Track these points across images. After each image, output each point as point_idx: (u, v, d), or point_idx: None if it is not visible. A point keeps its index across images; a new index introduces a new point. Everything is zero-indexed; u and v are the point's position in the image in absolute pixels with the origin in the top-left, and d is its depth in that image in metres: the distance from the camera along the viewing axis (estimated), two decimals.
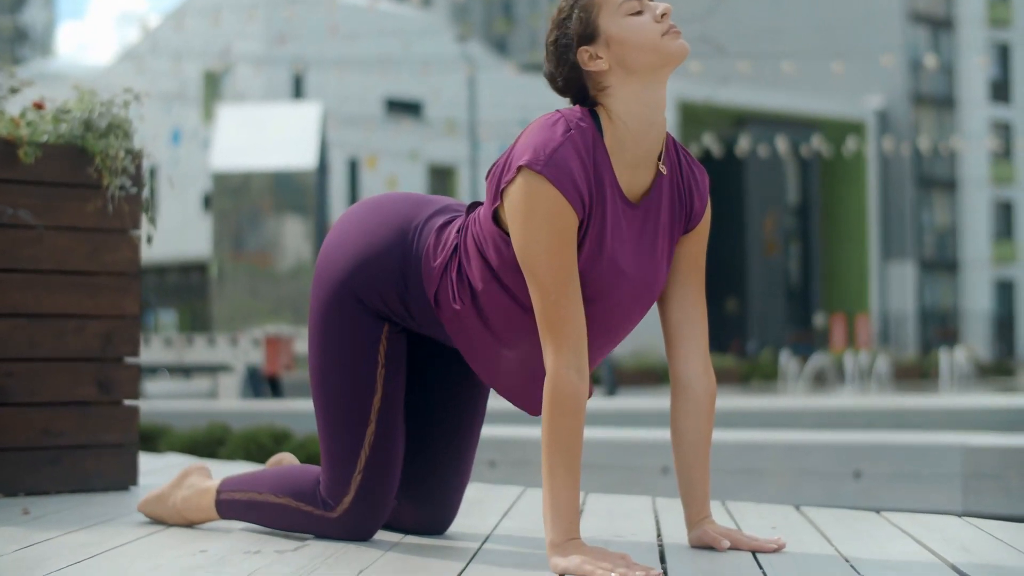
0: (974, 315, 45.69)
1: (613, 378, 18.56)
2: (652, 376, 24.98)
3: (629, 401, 13.80)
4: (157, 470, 4.32)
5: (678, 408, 2.60)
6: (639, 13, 2.46)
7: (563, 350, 2.41)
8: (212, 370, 16.44)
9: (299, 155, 19.05)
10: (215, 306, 19.45)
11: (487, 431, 6.12)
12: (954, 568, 2.39)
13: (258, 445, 6.72)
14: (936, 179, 46.04)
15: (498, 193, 2.47)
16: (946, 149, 36.88)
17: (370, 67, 31.98)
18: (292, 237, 19.29)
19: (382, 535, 2.83)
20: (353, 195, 34.84)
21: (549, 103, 2.54)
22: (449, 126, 32.71)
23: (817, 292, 44.90)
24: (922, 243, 45.68)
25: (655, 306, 2.65)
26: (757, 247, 43.17)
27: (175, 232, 32.81)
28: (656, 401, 12.84)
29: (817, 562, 2.47)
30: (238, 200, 19.20)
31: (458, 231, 2.57)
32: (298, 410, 9.37)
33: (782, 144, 29.33)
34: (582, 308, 2.44)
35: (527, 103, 30.45)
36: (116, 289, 3.76)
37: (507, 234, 2.47)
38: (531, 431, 6.55)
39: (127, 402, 3.80)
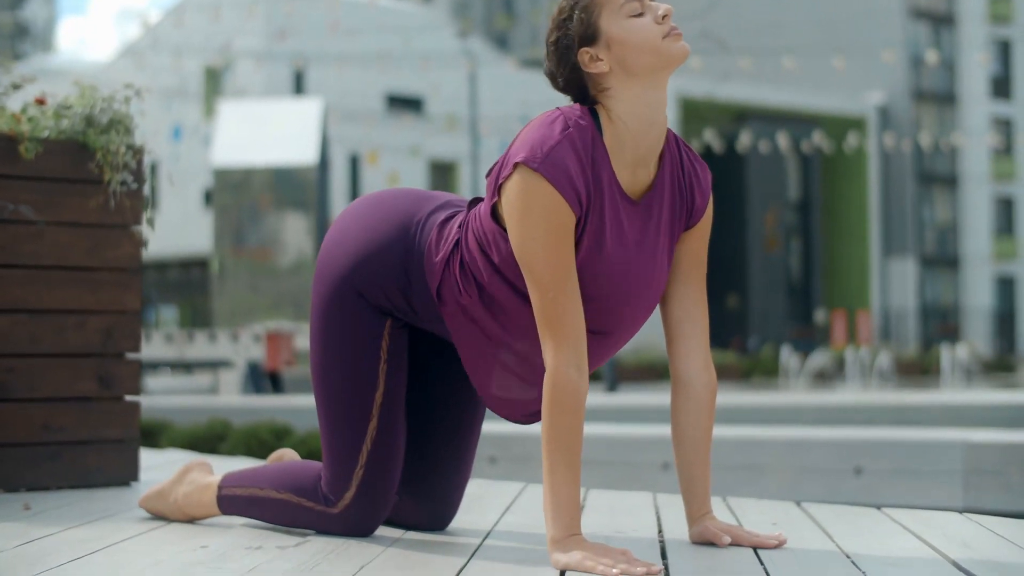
0: (975, 311, 45.69)
1: (614, 374, 18.55)
2: (653, 372, 24.99)
3: (630, 397, 13.80)
4: (158, 466, 4.32)
5: (679, 405, 2.60)
6: (640, 15, 2.46)
7: (562, 347, 2.41)
8: (213, 366, 16.44)
9: (300, 151, 19.04)
10: (216, 302, 19.45)
11: (488, 427, 6.13)
12: (955, 564, 2.39)
13: (259, 441, 6.72)
14: (937, 175, 46.03)
15: (496, 189, 2.47)
16: (947, 145, 36.88)
17: (371, 63, 31.98)
18: (293, 233, 19.29)
19: (383, 531, 2.83)
20: (354, 191, 34.84)
21: (550, 99, 2.54)
22: (450, 122, 32.70)
23: (818, 288, 44.90)
24: (923, 239, 45.67)
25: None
26: (758, 243, 43.17)
27: (176, 228, 32.83)
28: (657, 397, 12.84)
29: (818, 558, 2.47)
30: (239, 196, 19.20)
31: (460, 226, 2.57)
32: (299, 406, 9.37)
33: (783, 140, 29.33)
34: (581, 305, 2.43)
35: (528, 99, 30.45)
36: (117, 285, 3.76)
37: (505, 230, 2.47)
38: (532, 427, 6.55)
39: (128, 398, 3.80)
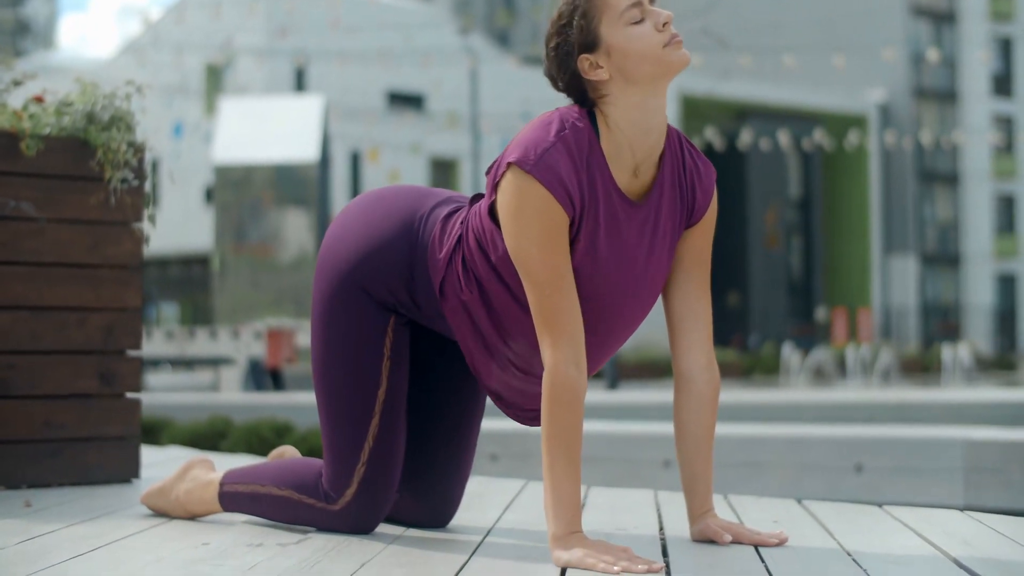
0: (976, 309, 45.69)
1: (615, 372, 18.55)
2: (653, 369, 25.00)
3: (631, 394, 13.80)
4: (159, 463, 4.32)
5: (681, 402, 2.60)
6: (641, 21, 2.45)
7: (560, 344, 2.41)
8: (214, 363, 16.44)
9: (301, 148, 19.04)
10: (217, 299, 19.46)
11: (489, 424, 6.12)
12: (955, 562, 2.39)
13: (260, 438, 6.72)
14: (938, 173, 46.01)
15: (494, 188, 2.48)
16: (948, 143, 36.86)
17: (372, 60, 31.96)
18: (294, 230, 19.29)
19: (384, 528, 2.83)
20: (355, 188, 34.84)
21: (551, 96, 2.54)
22: (451, 119, 32.70)
23: (819, 286, 44.90)
24: (924, 237, 45.67)
25: (658, 300, 2.65)
26: (759, 241, 43.17)
27: (177, 225, 32.83)
28: (658, 394, 12.84)
29: (819, 556, 2.48)
30: (240, 193, 19.20)
31: (461, 223, 2.58)
32: (300, 403, 9.37)
33: (784, 138, 29.33)
34: (577, 302, 2.44)
35: (529, 96, 30.46)
36: (118, 282, 3.76)
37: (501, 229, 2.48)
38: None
39: (129, 395, 3.80)
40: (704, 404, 2.59)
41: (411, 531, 2.82)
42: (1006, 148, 45.92)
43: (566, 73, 2.49)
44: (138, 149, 3.76)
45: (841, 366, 23.27)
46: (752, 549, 2.52)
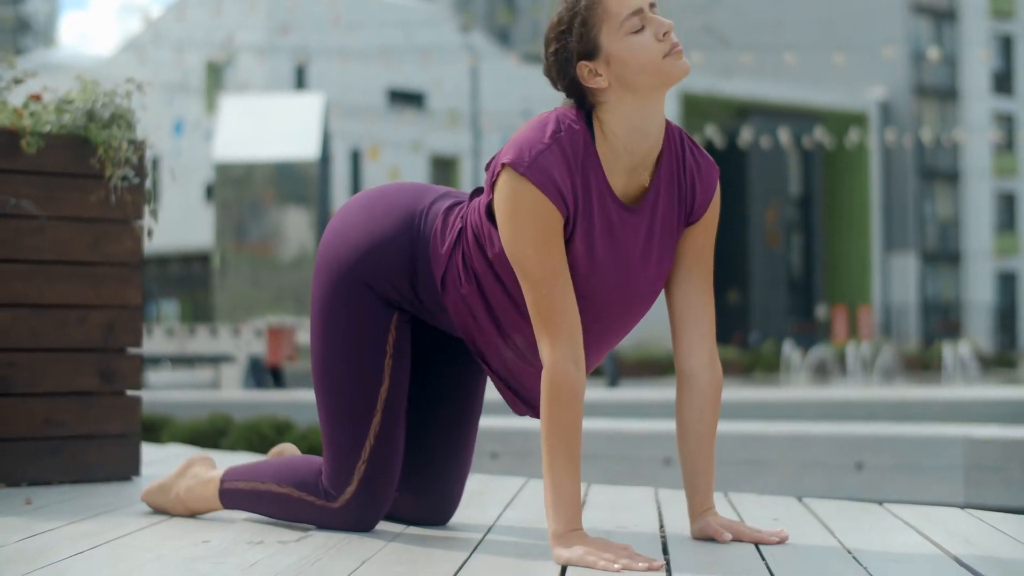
0: (976, 307, 45.68)
1: (615, 369, 18.55)
2: (654, 367, 24.99)
3: (631, 392, 13.81)
4: (159, 460, 4.32)
5: (683, 399, 2.60)
6: (641, 30, 2.44)
7: (558, 342, 2.41)
8: (214, 360, 16.42)
9: (301, 146, 19.03)
10: (217, 296, 19.45)
11: (489, 422, 6.12)
12: (956, 560, 2.39)
13: (260, 436, 6.72)
14: (939, 171, 46.00)
15: (491, 187, 2.48)
16: (949, 141, 36.84)
17: (372, 57, 31.95)
18: (294, 228, 19.27)
19: (384, 526, 2.83)
20: (355, 186, 34.83)
21: (551, 94, 2.54)
22: (451, 117, 32.69)
23: (819, 284, 44.89)
24: (924, 235, 45.66)
25: (661, 297, 2.65)
26: (759, 238, 43.16)
27: (177, 222, 32.81)
28: (658, 392, 12.84)
29: (819, 554, 2.48)
30: (240, 191, 19.18)
31: (462, 216, 2.58)
32: (300, 400, 9.36)
33: (784, 136, 29.31)
34: (575, 301, 2.44)
35: (529, 94, 30.42)
36: (118, 279, 3.76)
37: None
38: (533, 422, 6.54)
39: (129, 392, 3.80)
40: (706, 402, 2.59)
41: (411, 529, 2.82)
42: (1006, 146, 45.90)
43: (565, 78, 2.49)
44: (138, 147, 3.76)
45: (841, 364, 23.26)
46: (753, 547, 2.52)
